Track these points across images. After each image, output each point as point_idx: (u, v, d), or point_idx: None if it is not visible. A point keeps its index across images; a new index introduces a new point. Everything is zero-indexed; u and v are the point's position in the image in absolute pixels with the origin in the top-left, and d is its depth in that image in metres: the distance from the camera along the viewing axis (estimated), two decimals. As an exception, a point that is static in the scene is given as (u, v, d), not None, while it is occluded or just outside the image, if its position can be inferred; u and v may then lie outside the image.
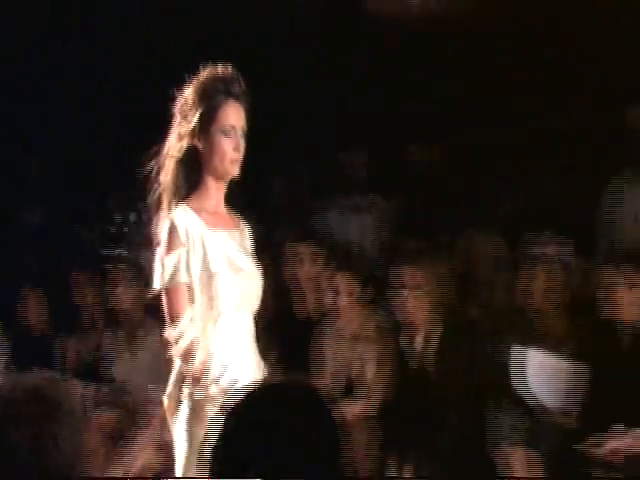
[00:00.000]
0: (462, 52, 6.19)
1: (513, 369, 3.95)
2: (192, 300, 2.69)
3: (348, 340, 4.22)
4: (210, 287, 2.70)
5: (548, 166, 5.76)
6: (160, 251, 2.71)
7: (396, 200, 5.81)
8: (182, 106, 2.77)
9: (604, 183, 5.09)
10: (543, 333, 3.93)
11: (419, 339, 4.05)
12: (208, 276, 2.69)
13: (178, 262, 2.67)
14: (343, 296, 4.16)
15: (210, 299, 2.70)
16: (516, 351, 3.94)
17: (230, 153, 2.78)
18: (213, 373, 2.66)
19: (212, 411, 2.66)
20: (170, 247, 2.68)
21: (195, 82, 2.79)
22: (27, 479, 1.76)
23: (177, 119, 2.78)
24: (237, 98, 2.81)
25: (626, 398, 3.59)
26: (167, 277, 2.68)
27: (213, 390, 2.66)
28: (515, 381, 3.92)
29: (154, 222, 2.77)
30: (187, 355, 2.63)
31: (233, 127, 2.79)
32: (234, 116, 2.80)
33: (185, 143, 2.75)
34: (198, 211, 2.77)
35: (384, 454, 4.03)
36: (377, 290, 4.36)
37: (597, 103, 5.92)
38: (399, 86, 6.21)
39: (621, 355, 3.76)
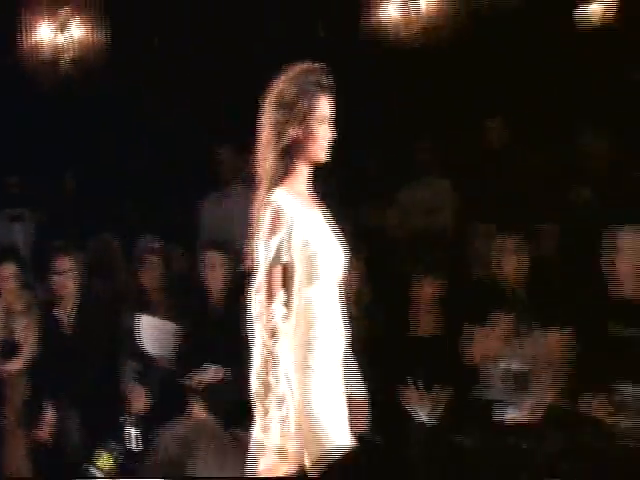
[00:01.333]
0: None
1: (136, 330, 4.75)
2: (290, 277, 2.70)
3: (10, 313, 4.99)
4: (309, 263, 2.72)
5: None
6: (264, 232, 2.70)
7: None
8: (278, 98, 2.78)
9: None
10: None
11: (67, 310, 4.85)
12: (307, 254, 2.72)
13: (281, 242, 2.68)
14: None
15: (309, 275, 2.72)
16: (137, 318, 4.77)
17: (325, 141, 2.83)
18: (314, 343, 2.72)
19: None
20: (274, 229, 2.69)
21: (290, 76, 2.81)
22: None
23: (272, 110, 2.78)
24: (328, 90, 2.84)
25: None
26: (272, 257, 2.67)
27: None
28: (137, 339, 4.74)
29: (253, 206, 2.77)
30: (274, 332, 2.64)
31: (326, 117, 2.83)
32: (328, 107, 2.84)
33: (284, 132, 2.75)
34: (293, 195, 2.78)
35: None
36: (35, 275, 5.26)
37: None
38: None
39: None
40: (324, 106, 2.82)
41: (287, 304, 2.68)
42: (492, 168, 5.86)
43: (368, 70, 6.62)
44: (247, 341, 4.33)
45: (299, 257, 2.70)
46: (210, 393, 4.47)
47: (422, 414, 4.24)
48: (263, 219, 2.71)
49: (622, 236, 4.04)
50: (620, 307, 4.01)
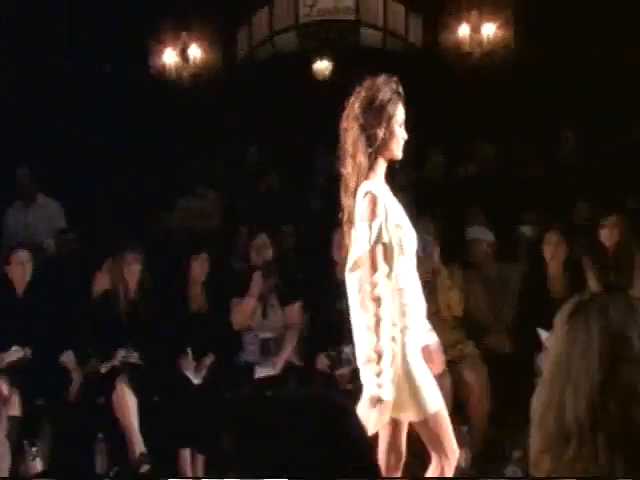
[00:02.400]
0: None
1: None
2: (390, 254, 2.70)
3: None
4: (400, 242, 2.73)
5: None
6: (363, 217, 2.68)
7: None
8: (367, 105, 2.75)
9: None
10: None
11: None
12: (399, 234, 2.72)
13: (381, 225, 2.68)
14: None
15: (400, 251, 2.72)
16: None
17: (402, 140, 2.81)
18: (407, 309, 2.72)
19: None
20: (374, 213, 2.68)
21: (375, 86, 2.78)
22: None
23: (361, 115, 2.74)
24: (402, 97, 2.83)
25: None
26: (374, 238, 2.67)
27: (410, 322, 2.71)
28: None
29: (343, 197, 2.77)
30: (379, 300, 2.64)
31: (403, 120, 2.82)
32: (403, 112, 2.82)
33: (372, 133, 2.74)
34: (378, 185, 2.77)
35: None
36: None
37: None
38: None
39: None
40: (401, 111, 2.80)
41: (388, 276, 2.69)
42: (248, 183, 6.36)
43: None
44: (49, 324, 4.60)
45: (394, 236, 2.70)
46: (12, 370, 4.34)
47: (195, 378, 4.35)
48: (360, 207, 2.69)
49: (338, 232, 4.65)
50: (339, 286, 4.63)
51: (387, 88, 2.80)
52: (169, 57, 8.09)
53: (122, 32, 7.53)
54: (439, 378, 2.90)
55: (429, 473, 2.81)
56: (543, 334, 4.04)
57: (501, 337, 4.48)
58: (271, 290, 4.56)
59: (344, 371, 4.28)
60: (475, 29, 7.62)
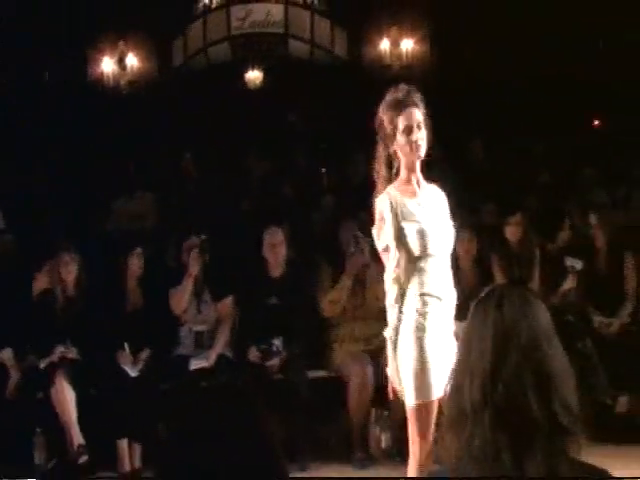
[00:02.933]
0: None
1: None
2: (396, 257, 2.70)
3: None
4: (416, 237, 2.73)
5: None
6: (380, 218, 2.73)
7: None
8: (379, 123, 2.79)
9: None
10: None
11: None
12: (411, 234, 2.73)
13: (381, 231, 2.75)
14: None
15: (411, 250, 2.72)
16: None
17: (411, 145, 2.75)
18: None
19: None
20: (374, 221, 2.77)
21: (382, 104, 2.81)
22: None
23: (379, 133, 2.79)
24: (411, 105, 2.76)
25: None
26: (377, 244, 2.77)
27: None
28: None
29: (374, 201, 2.78)
30: (386, 293, 2.72)
31: (409, 126, 2.74)
32: (409, 118, 2.74)
33: (386, 148, 2.79)
34: (401, 191, 2.77)
35: None
36: None
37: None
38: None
39: None
40: (405, 119, 2.76)
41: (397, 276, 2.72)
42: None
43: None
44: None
45: (403, 237, 2.73)
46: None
47: (132, 371, 4.27)
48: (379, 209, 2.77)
49: (269, 234, 4.48)
50: (270, 283, 4.44)
51: (386, 102, 2.81)
52: (107, 65, 7.92)
53: (61, 40, 7.33)
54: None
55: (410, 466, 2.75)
56: (457, 325, 4.12)
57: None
58: (204, 286, 4.51)
59: (274, 362, 4.27)
60: (395, 43, 7.75)
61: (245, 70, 8.29)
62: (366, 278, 4.36)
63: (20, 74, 7.24)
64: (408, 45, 7.68)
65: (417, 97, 2.83)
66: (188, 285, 4.44)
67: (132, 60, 8.01)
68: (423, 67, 7.56)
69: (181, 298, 4.45)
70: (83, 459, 4.06)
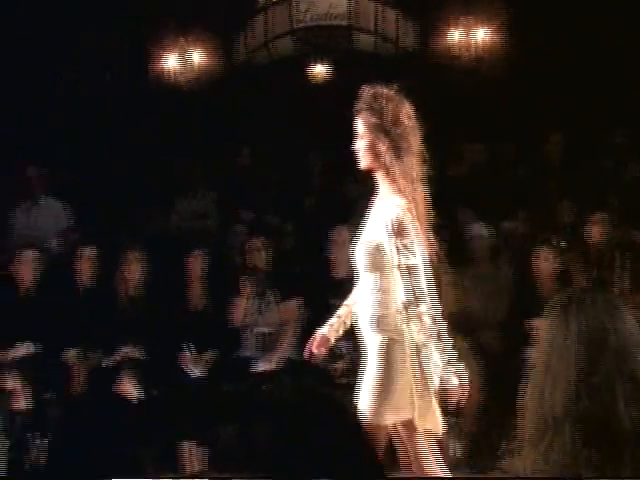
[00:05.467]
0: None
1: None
2: None
3: None
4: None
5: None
6: None
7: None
8: None
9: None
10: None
11: None
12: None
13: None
14: None
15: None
16: None
17: (359, 152, 2.74)
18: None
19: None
20: None
21: None
22: None
23: None
24: (357, 112, 2.70)
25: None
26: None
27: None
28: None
29: None
30: None
31: (357, 134, 2.72)
32: (357, 127, 2.72)
33: None
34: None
35: None
36: None
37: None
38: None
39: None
40: (357, 124, 2.72)
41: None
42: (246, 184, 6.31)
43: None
44: (54, 322, 4.62)
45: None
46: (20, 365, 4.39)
47: (194, 372, 4.39)
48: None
49: (337, 232, 4.52)
50: (335, 284, 4.36)
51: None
52: (168, 62, 8.09)
53: (123, 38, 7.53)
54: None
55: None
56: (533, 329, 4.06)
57: (492, 332, 4.50)
58: (267, 288, 4.56)
59: (339, 366, 4.29)
60: (466, 33, 7.64)
61: (308, 64, 8.34)
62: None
63: (83, 74, 7.47)
64: (481, 35, 7.56)
65: (367, 102, 2.70)
66: (241, 304, 4.50)
67: (194, 56, 8.16)
68: (496, 59, 7.43)
69: (237, 311, 4.53)
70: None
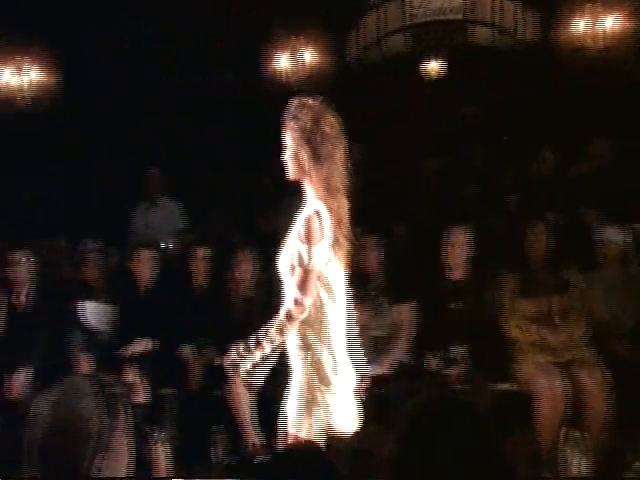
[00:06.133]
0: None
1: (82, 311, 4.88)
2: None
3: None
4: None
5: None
6: None
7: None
8: None
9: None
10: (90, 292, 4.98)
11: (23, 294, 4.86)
12: None
13: None
14: None
15: None
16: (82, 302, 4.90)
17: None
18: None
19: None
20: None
21: None
22: None
23: None
24: (285, 124, 2.79)
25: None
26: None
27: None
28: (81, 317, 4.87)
29: None
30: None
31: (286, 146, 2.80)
32: (286, 138, 2.80)
33: None
34: None
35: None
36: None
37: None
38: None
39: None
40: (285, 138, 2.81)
41: None
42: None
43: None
44: (169, 317, 4.79)
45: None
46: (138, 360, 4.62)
47: None
48: None
49: (454, 233, 4.49)
50: (451, 287, 4.39)
51: None
52: (280, 62, 8.19)
53: (234, 38, 7.69)
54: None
55: None
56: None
57: (623, 341, 4.28)
58: (381, 290, 4.54)
59: (454, 371, 4.22)
60: (593, 23, 7.27)
61: (421, 61, 8.23)
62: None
63: (202, 74, 7.70)
64: (609, 24, 7.17)
65: (291, 113, 2.76)
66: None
67: (305, 56, 8.23)
68: (626, 49, 7.05)
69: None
70: (258, 458, 4.22)
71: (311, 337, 2.73)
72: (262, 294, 4.68)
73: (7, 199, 6.77)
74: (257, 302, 4.69)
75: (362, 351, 3.89)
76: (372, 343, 4.48)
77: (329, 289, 2.74)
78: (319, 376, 2.71)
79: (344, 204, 2.75)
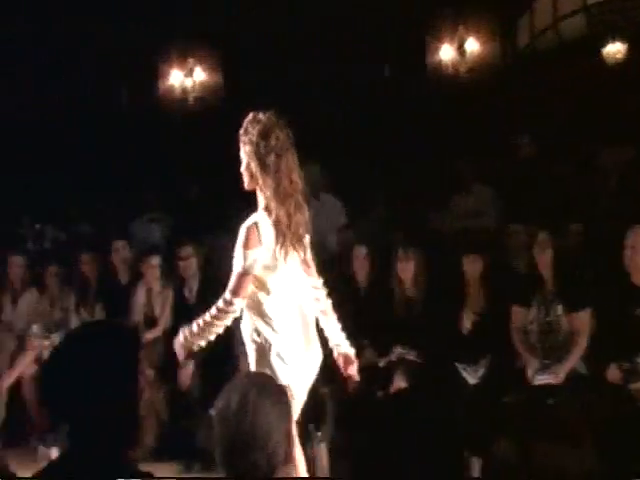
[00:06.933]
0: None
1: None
2: None
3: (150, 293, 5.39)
4: None
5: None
6: None
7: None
8: None
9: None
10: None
11: (192, 288, 5.22)
12: None
13: None
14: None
15: None
16: None
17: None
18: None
19: None
20: None
21: None
22: None
23: None
24: (240, 138, 3.01)
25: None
26: None
27: None
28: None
29: None
30: None
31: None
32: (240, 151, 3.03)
33: None
34: None
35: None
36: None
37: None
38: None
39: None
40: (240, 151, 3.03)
41: None
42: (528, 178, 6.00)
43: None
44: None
45: None
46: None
47: (471, 378, 4.31)
48: None
49: (635, 233, 4.09)
50: (634, 292, 4.07)
51: None
52: (445, 53, 8.01)
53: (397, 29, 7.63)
54: None
55: None
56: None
57: None
58: (556, 295, 4.30)
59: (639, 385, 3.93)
60: None
61: (603, 44, 7.71)
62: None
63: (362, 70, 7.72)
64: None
65: (244, 127, 3.00)
66: (520, 309, 4.31)
67: (472, 45, 8.00)
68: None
69: (517, 319, 4.34)
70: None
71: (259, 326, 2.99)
72: (424, 295, 4.59)
73: (178, 197, 7.21)
74: (418, 303, 4.60)
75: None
76: (547, 351, 4.27)
77: (266, 289, 2.98)
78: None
79: (294, 212, 2.97)
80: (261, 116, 3.00)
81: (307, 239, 3.06)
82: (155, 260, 5.41)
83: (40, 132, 7.68)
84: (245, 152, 3.01)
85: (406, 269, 4.66)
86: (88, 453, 1.63)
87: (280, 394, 1.89)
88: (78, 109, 7.85)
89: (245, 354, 3.10)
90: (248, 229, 2.92)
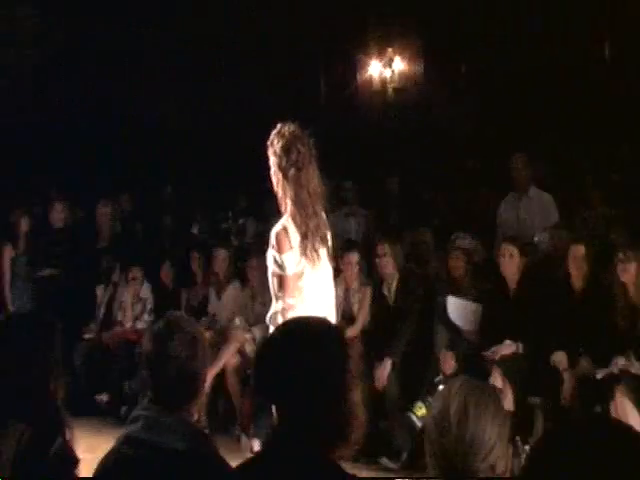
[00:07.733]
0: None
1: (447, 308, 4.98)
2: None
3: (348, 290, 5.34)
4: None
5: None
6: None
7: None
8: None
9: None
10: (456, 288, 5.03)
11: (390, 287, 5.17)
12: None
13: None
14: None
15: None
16: (447, 298, 4.98)
17: None
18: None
19: None
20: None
21: None
22: None
23: None
24: (267, 149, 3.30)
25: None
26: None
27: None
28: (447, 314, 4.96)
29: None
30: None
31: None
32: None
33: None
34: None
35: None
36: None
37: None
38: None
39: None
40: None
41: None
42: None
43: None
44: (540, 320, 4.57)
45: None
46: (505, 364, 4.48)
47: None
48: None
49: None
50: None
51: None
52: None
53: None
54: None
55: None
56: None
57: None
58: None
59: None
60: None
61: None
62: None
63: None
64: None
65: (270, 140, 3.29)
66: None
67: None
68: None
69: None
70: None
71: None
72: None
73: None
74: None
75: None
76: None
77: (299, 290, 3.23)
78: None
79: (313, 220, 3.24)
80: (285, 130, 3.26)
81: (328, 237, 3.33)
82: (356, 256, 5.39)
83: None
84: (271, 163, 3.29)
85: (630, 273, 4.29)
86: (291, 449, 1.65)
87: (498, 404, 1.81)
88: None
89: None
90: (278, 234, 3.22)
